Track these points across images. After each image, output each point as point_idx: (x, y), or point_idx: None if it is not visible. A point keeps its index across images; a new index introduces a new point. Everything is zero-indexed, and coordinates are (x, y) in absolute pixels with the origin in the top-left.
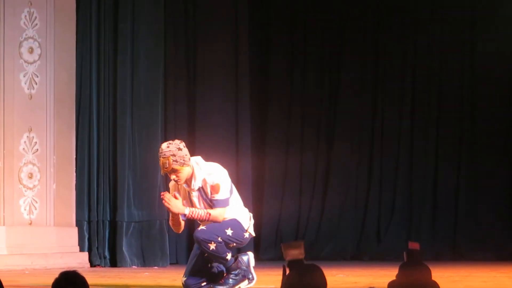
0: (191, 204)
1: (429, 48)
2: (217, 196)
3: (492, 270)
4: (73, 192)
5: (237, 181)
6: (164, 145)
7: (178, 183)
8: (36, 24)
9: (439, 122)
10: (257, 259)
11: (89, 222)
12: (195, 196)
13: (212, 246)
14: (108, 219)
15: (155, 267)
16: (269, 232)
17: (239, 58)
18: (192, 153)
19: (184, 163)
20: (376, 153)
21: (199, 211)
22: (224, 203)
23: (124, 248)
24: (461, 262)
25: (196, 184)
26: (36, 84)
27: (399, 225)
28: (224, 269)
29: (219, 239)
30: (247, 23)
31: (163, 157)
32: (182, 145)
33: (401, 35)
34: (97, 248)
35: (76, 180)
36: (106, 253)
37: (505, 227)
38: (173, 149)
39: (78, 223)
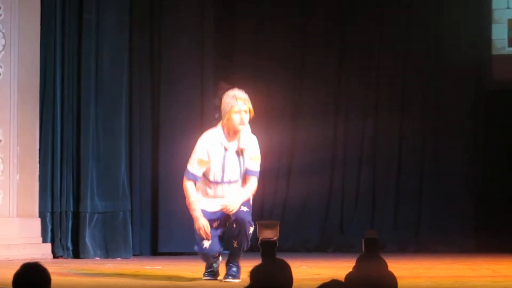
0: (222, 166)
1: (395, 41)
2: (255, 167)
3: (455, 262)
4: (36, 183)
5: None
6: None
7: (242, 123)
8: (0, 15)
9: (403, 115)
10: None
11: (52, 213)
12: (232, 158)
13: (251, 230)
14: (71, 210)
15: (118, 258)
16: None
17: (204, 60)
18: (157, 145)
19: (251, 112)
20: (339, 145)
21: (248, 194)
22: (258, 174)
23: (87, 239)
24: (424, 254)
25: (243, 143)
26: (0, 74)
27: (362, 217)
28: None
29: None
30: (212, 20)
31: (242, 97)
32: None
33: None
34: (60, 239)
35: (39, 171)
36: (69, 244)
37: (468, 219)
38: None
39: (41, 214)
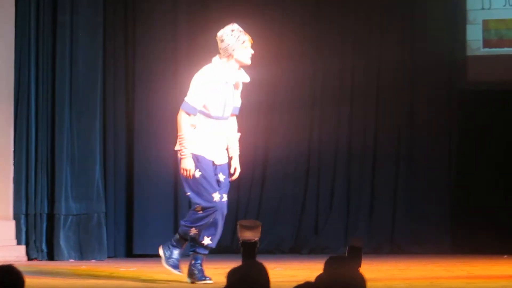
0: (224, 100)
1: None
2: (240, 103)
3: (430, 263)
4: (10, 185)
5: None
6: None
7: (249, 60)
8: None
9: (377, 117)
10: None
11: (26, 215)
12: (230, 92)
13: None
14: (46, 212)
15: (93, 260)
16: None
17: (178, 56)
18: (132, 147)
19: None
20: (313, 146)
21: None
22: None
23: (61, 241)
24: (399, 255)
25: (245, 77)
26: None
27: (337, 218)
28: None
29: None
30: (186, 20)
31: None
32: None
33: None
34: (35, 241)
35: (13, 173)
36: (44, 247)
37: (443, 221)
38: None
39: (16, 216)
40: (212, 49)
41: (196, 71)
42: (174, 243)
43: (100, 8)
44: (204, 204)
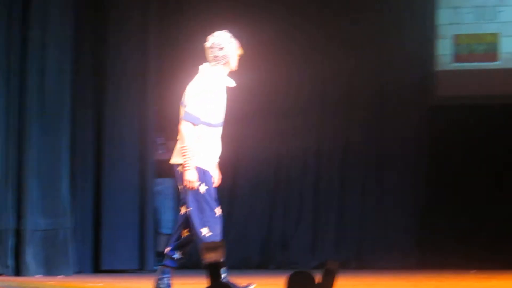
0: (222, 107)
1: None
2: None
3: (397, 279)
4: None
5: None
6: None
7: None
8: None
9: (347, 130)
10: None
11: None
12: (224, 98)
13: None
14: (13, 227)
15: (60, 276)
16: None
17: (147, 78)
18: (100, 162)
19: None
20: (282, 162)
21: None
22: None
23: (28, 257)
24: (366, 271)
25: (231, 83)
26: None
27: (304, 233)
28: None
29: None
30: (157, 33)
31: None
32: None
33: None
34: (1, 256)
35: None
36: (10, 262)
37: (410, 236)
38: None
39: None
40: (182, 64)
41: (166, 86)
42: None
43: (71, 21)
44: (205, 222)
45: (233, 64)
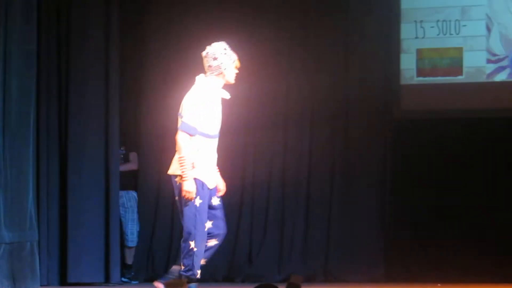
0: (218, 118)
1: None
2: None
3: None
4: None
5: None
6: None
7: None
8: None
9: (311, 144)
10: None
11: None
12: (220, 109)
13: None
14: None
15: None
16: (141, 255)
17: (109, 92)
18: (65, 175)
19: None
20: (247, 174)
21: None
22: None
23: None
24: (333, 284)
25: (226, 94)
26: None
27: (271, 246)
28: None
29: None
30: (120, 48)
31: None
32: None
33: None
34: None
35: None
36: None
37: (377, 249)
38: None
39: None
40: (147, 73)
41: (130, 99)
42: None
43: (34, 35)
44: (194, 233)
45: (229, 76)
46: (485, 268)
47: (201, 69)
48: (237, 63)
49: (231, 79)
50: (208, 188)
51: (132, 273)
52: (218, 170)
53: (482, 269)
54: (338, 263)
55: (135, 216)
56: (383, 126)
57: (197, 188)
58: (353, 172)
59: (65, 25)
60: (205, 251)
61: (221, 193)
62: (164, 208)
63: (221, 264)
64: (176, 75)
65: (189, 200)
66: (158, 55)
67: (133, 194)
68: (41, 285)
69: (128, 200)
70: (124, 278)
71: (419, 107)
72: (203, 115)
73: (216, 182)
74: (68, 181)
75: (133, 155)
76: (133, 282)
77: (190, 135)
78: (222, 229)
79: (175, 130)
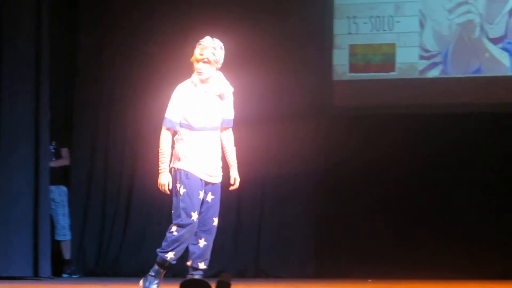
0: (204, 109)
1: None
2: (232, 115)
3: (295, 287)
4: None
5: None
6: (209, 38)
7: (200, 75)
8: None
9: (244, 140)
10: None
11: None
12: (212, 101)
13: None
14: None
15: None
16: (72, 249)
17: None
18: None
19: (217, 62)
20: None
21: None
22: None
23: None
24: (264, 279)
25: (219, 89)
26: None
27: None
28: None
29: None
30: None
31: (204, 45)
32: (223, 48)
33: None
34: None
35: None
36: None
37: (308, 244)
38: (218, 44)
39: None
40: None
41: (61, 94)
42: (153, 274)
43: None
44: (178, 221)
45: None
46: (418, 262)
47: (133, 63)
48: (193, 57)
49: (197, 73)
50: (200, 179)
51: (72, 268)
52: (230, 165)
53: (413, 263)
54: (269, 258)
55: (66, 210)
56: (316, 122)
57: (180, 178)
58: (285, 167)
59: None
60: (196, 250)
61: (233, 187)
62: (95, 202)
63: (151, 258)
64: (109, 69)
65: (164, 192)
66: (90, 45)
67: (63, 189)
68: None
69: (58, 194)
70: (65, 274)
71: (352, 103)
72: (183, 108)
73: (216, 175)
74: None
75: (64, 151)
76: (73, 276)
77: (168, 129)
78: (207, 226)
79: (106, 125)
